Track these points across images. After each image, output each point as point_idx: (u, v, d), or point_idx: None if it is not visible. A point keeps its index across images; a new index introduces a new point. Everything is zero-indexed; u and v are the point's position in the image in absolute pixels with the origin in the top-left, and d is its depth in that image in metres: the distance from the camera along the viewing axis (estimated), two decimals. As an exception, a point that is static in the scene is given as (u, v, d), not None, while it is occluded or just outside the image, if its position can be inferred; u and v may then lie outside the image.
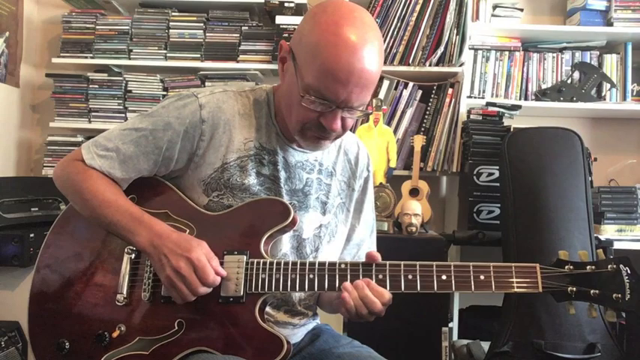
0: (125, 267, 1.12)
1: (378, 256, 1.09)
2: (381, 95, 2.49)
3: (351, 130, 1.19)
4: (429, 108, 2.54)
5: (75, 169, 1.16)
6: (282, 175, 1.19)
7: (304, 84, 1.04)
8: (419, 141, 2.39)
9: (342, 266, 1.09)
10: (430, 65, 2.48)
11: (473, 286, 1.07)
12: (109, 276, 1.14)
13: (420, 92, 2.54)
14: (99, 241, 1.18)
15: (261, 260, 1.10)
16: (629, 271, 1.03)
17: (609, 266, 1.04)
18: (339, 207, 1.28)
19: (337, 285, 1.08)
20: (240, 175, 1.15)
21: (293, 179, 1.20)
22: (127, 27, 2.61)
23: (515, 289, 1.07)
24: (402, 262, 1.08)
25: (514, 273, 1.07)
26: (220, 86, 1.22)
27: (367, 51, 1.01)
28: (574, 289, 1.05)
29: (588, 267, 1.06)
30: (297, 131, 1.12)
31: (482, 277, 1.07)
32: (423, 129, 2.52)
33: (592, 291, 1.04)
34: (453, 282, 1.07)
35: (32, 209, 2.44)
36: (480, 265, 1.08)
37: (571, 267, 1.07)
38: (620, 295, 1.02)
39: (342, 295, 1.06)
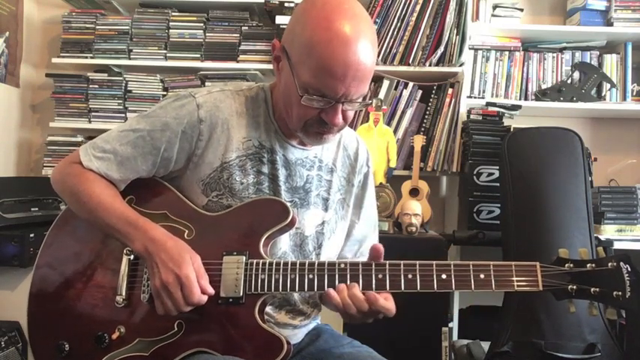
0: (124, 268, 1.12)
1: (382, 248, 1.08)
2: (381, 95, 2.49)
3: (351, 127, 1.20)
4: (429, 108, 2.54)
5: (72, 171, 1.15)
6: (282, 173, 1.18)
7: (301, 82, 1.04)
8: (419, 141, 2.39)
9: (342, 266, 1.09)
10: (430, 65, 2.48)
11: (473, 285, 1.06)
12: (108, 277, 1.14)
13: (420, 92, 2.54)
14: (98, 242, 1.17)
15: (261, 261, 1.09)
16: (629, 269, 1.02)
17: (609, 264, 1.04)
18: (338, 203, 1.28)
19: (337, 285, 1.07)
20: (240, 174, 1.15)
21: (293, 177, 1.20)
22: (127, 27, 2.61)
23: (516, 288, 1.06)
24: (402, 262, 1.08)
25: (514, 271, 1.06)
26: (218, 85, 1.21)
27: (361, 43, 1.00)
28: (574, 287, 1.05)
29: (588, 265, 1.05)
30: (299, 129, 1.12)
31: (482, 276, 1.06)
32: (423, 129, 2.52)
33: (592, 289, 1.04)
34: (453, 281, 1.06)
35: (32, 209, 2.44)
36: (479, 263, 1.07)
37: (571, 265, 1.06)
38: (620, 293, 1.02)
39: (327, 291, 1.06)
